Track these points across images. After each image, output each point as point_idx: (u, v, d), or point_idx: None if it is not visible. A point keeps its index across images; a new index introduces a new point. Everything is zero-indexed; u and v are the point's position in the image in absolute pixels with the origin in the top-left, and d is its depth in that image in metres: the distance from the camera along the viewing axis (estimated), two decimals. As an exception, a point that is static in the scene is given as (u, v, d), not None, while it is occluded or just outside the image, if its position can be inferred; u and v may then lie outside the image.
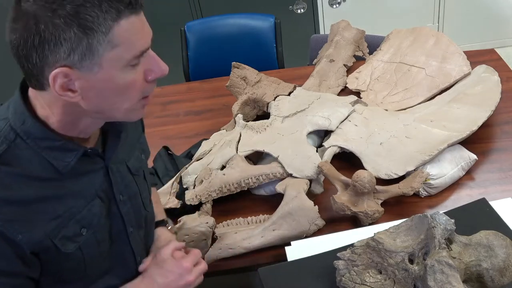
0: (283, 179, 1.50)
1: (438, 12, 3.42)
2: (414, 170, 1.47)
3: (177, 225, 1.41)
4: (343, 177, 1.46)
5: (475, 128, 1.55)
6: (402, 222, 1.17)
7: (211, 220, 1.43)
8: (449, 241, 1.11)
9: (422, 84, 1.81)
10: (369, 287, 1.13)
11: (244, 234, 1.40)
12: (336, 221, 1.46)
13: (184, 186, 1.56)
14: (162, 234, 1.22)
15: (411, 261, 1.10)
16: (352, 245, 1.17)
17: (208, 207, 1.49)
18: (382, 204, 1.44)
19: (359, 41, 2.14)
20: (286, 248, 1.31)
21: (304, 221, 1.40)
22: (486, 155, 1.60)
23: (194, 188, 1.52)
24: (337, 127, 1.62)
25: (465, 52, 1.86)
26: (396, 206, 1.47)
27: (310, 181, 1.50)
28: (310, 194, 1.48)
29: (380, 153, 1.54)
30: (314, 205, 1.42)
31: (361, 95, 1.88)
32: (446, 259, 1.04)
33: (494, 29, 3.50)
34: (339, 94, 1.93)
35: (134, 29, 0.84)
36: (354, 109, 1.67)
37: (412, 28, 2.02)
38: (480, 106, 1.62)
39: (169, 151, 1.74)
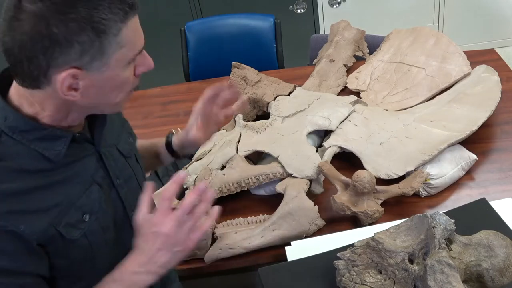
0: (283, 179, 1.50)
1: (438, 12, 3.42)
2: (414, 170, 1.47)
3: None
4: (343, 177, 1.46)
5: (475, 128, 1.55)
6: (402, 222, 1.17)
7: (211, 220, 1.43)
8: (449, 241, 1.11)
9: (422, 84, 1.81)
10: (369, 287, 1.13)
11: (244, 234, 1.40)
12: (336, 221, 1.46)
13: (184, 186, 1.56)
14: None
15: (411, 261, 1.10)
16: (352, 245, 1.17)
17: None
18: (382, 204, 1.44)
19: (359, 41, 2.14)
20: (286, 248, 1.31)
21: (304, 221, 1.40)
22: (486, 155, 1.60)
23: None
24: (337, 127, 1.62)
25: (465, 52, 1.86)
26: (396, 206, 1.47)
27: (310, 181, 1.50)
28: (310, 194, 1.48)
29: (380, 153, 1.54)
30: (314, 205, 1.42)
31: (361, 95, 1.88)
32: (446, 259, 1.04)
33: (494, 29, 3.50)
34: (339, 94, 1.93)
35: (136, 29, 0.88)
36: (354, 109, 1.67)
37: (412, 28, 2.02)
38: (480, 106, 1.62)
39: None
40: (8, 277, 0.86)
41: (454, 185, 1.52)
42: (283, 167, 1.51)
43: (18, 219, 0.86)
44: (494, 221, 1.28)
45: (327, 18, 3.37)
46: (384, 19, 3.35)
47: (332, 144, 1.58)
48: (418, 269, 1.08)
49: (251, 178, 1.50)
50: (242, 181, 1.50)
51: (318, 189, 1.51)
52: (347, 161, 1.59)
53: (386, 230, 1.17)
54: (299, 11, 3.20)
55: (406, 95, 1.81)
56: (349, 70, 2.05)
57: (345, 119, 1.64)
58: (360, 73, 1.99)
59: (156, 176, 1.65)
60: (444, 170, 1.48)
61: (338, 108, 1.66)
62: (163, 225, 0.93)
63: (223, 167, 1.55)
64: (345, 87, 1.97)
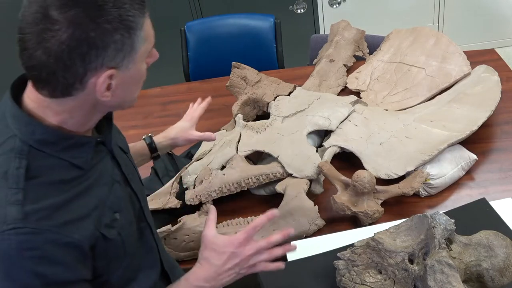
0: (283, 179, 1.50)
1: (438, 12, 3.42)
2: (414, 170, 1.47)
3: (177, 225, 1.41)
4: (343, 177, 1.46)
5: (475, 128, 1.55)
6: (402, 222, 1.17)
7: (211, 220, 1.43)
8: (449, 241, 1.11)
9: (422, 84, 1.81)
10: (369, 287, 1.13)
11: (244, 234, 1.40)
12: (336, 221, 1.46)
13: (184, 186, 1.56)
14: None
15: (411, 261, 1.10)
16: (352, 245, 1.17)
17: (208, 207, 1.49)
18: (382, 204, 1.44)
19: (359, 41, 2.14)
20: (286, 248, 1.31)
21: (304, 221, 1.40)
22: (486, 155, 1.60)
23: (194, 188, 1.52)
24: (337, 127, 1.62)
25: (465, 52, 1.86)
26: (396, 206, 1.47)
27: (310, 181, 1.50)
28: (310, 194, 1.48)
29: (380, 153, 1.54)
30: (314, 205, 1.42)
31: (361, 95, 1.88)
32: (446, 259, 1.04)
33: (494, 29, 3.50)
34: (339, 94, 1.93)
35: (150, 22, 0.90)
36: (354, 109, 1.67)
37: (412, 28, 2.02)
38: (480, 106, 1.62)
39: (169, 151, 1.73)
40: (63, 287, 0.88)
41: (454, 185, 1.52)
42: (283, 167, 1.51)
43: (70, 229, 0.87)
44: (494, 221, 1.29)
45: (327, 18, 3.37)
46: (384, 19, 3.35)
47: (332, 144, 1.58)
48: (418, 269, 1.08)
49: (251, 178, 1.50)
50: (242, 181, 1.50)
51: (318, 189, 1.51)
52: (347, 161, 1.59)
53: (386, 230, 1.17)
54: (299, 11, 3.20)
55: (406, 95, 1.81)
56: (349, 70, 2.05)
57: (345, 119, 1.64)
58: (360, 73, 1.99)
59: (156, 176, 1.65)
60: (444, 170, 1.48)
61: (338, 108, 1.66)
62: (245, 249, 1.04)
63: (223, 167, 1.55)
64: (345, 87, 1.97)
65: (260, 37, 2.53)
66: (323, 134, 1.68)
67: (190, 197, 1.49)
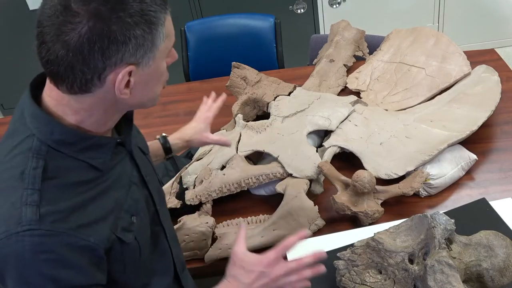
0: (283, 179, 1.50)
1: (438, 12, 3.42)
2: (414, 170, 1.47)
3: (177, 225, 1.41)
4: (343, 177, 1.46)
5: (475, 128, 1.55)
6: (402, 222, 1.17)
7: (211, 220, 1.43)
8: (449, 241, 1.11)
9: (422, 84, 1.81)
10: (369, 287, 1.13)
11: (244, 234, 1.40)
12: (336, 221, 1.46)
13: (184, 186, 1.56)
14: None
15: (411, 261, 1.10)
16: (352, 245, 1.17)
17: (208, 207, 1.49)
18: (382, 204, 1.44)
19: (359, 41, 2.14)
20: (286, 248, 1.31)
21: (304, 221, 1.40)
22: (486, 155, 1.60)
23: (194, 188, 1.52)
24: (337, 127, 1.62)
25: (465, 52, 1.86)
26: (396, 206, 1.47)
27: (310, 181, 1.50)
28: (310, 194, 1.48)
29: (380, 153, 1.54)
30: (314, 205, 1.42)
31: (361, 95, 1.88)
32: (446, 259, 1.04)
33: (494, 29, 3.50)
34: (339, 94, 1.93)
35: (171, 19, 0.88)
36: (354, 109, 1.67)
37: (412, 28, 2.02)
38: (480, 106, 1.62)
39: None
40: None
41: (454, 185, 1.52)
42: (283, 167, 1.51)
43: (86, 232, 0.85)
44: (494, 221, 1.29)
45: (327, 18, 3.37)
46: (384, 19, 3.35)
47: (332, 144, 1.58)
48: (418, 269, 1.08)
49: (251, 178, 1.50)
50: (242, 181, 1.50)
51: (318, 189, 1.51)
52: (347, 161, 1.59)
53: (386, 230, 1.17)
54: (299, 11, 3.20)
55: (406, 95, 1.81)
56: (349, 70, 2.05)
57: (345, 119, 1.64)
58: (360, 73, 1.99)
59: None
60: (444, 170, 1.48)
61: (338, 108, 1.66)
62: (274, 269, 1.00)
63: (223, 167, 1.55)
64: (345, 87, 1.97)
65: (260, 37, 2.53)
66: (323, 134, 1.68)
67: (190, 197, 1.49)
